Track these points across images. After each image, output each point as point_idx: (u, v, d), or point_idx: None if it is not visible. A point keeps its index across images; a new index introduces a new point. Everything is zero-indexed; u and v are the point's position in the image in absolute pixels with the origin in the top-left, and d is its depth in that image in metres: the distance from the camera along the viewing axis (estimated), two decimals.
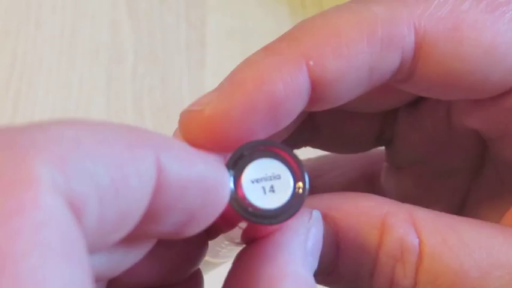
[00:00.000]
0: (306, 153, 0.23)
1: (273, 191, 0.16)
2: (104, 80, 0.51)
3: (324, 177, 0.25)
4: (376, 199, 0.19)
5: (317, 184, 0.24)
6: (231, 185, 0.16)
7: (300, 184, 0.17)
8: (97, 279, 0.16)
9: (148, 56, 0.52)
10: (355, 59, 0.17)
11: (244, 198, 0.16)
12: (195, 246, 0.18)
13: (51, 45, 0.52)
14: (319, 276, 0.18)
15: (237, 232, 0.17)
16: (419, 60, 0.18)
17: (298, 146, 0.24)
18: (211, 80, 0.52)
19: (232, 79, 0.17)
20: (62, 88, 0.50)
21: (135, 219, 0.14)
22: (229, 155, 0.16)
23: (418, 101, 0.22)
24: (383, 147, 0.24)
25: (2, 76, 0.50)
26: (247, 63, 0.17)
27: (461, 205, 0.23)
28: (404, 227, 0.18)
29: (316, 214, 0.18)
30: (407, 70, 0.18)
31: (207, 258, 0.19)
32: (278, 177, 0.16)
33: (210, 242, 0.19)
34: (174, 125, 0.17)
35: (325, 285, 0.20)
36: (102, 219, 0.13)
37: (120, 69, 0.52)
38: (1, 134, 0.12)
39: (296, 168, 0.17)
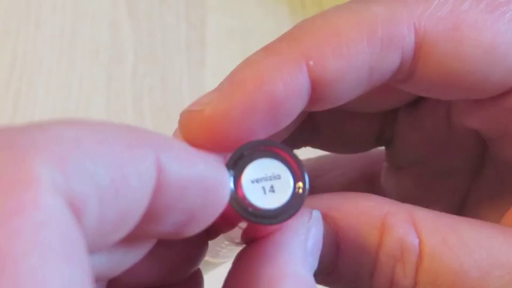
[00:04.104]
0: (306, 153, 0.23)
1: (273, 191, 0.16)
2: (104, 80, 0.51)
3: (324, 177, 0.25)
4: (376, 199, 0.19)
5: (317, 184, 0.24)
6: (231, 185, 0.16)
7: (300, 184, 0.17)
8: (97, 279, 0.16)
9: (148, 56, 0.52)
10: (355, 59, 0.17)
11: (244, 198, 0.16)
12: (195, 246, 0.18)
13: (51, 45, 0.52)
14: (319, 276, 0.18)
15: (237, 232, 0.17)
16: (419, 60, 0.18)
17: (298, 146, 0.24)
18: (211, 80, 0.52)
19: (232, 79, 0.17)
20: (62, 88, 0.50)
21: (135, 219, 0.14)
22: (229, 155, 0.16)
23: (418, 101, 0.22)
24: (383, 147, 0.24)
25: (2, 76, 0.50)
26: (247, 63, 0.17)
27: (461, 205, 0.23)
28: (404, 227, 0.18)
29: (316, 214, 0.18)
30: (407, 70, 0.18)
31: (207, 258, 0.19)
32: (278, 177, 0.16)
33: (210, 242, 0.19)
34: (174, 125, 0.17)
35: (325, 285, 0.20)
36: (102, 219, 0.13)
37: (120, 69, 0.52)
38: (1, 134, 0.12)
39: (296, 168, 0.17)
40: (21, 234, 0.11)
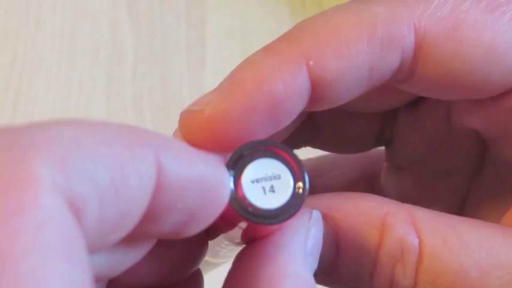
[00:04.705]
0: (306, 153, 0.23)
1: (273, 191, 0.16)
2: (104, 80, 0.51)
3: (324, 177, 0.25)
4: (376, 199, 0.19)
5: (317, 184, 0.24)
6: (231, 185, 0.16)
7: (300, 184, 0.17)
8: (97, 279, 0.16)
9: (148, 56, 0.52)
10: (355, 59, 0.17)
11: (244, 198, 0.16)
12: (195, 246, 0.18)
13: (51, 45, 0.52)
14: (319, 276, 0.18)
15: (237, 232, 0.17)
16: (419, 60, 0.18)
17: (298, 146, 0.24)
18: (211, 80, 0.52)
19: (232, 79, 0.17)
20: (62, 88, 0.50)
21: (135, 219, 0.14)
22: (229, 155, 0.16)
23: (418, 101, 0.22)
24: (383, 147, 0.24)
25: (2, 76, 0.50)
26: (247, 63, 0.17)
27: (461, 205, 0.23)
28: (404, 227, 0.18)
29: (316, 214, 0.18)
30: (407, 70, 0.18)
31: (207, 258, 0.19)
32: (278, 177, 0.16)
33: (210, 242, 0.19)
34: (174, 125, 0.17)
35: (325, 285, 0.20)
36: (102, 219, 0.13)
37: (120, 69, 0.52)
38: (1, 134, 0.12)
39: (296, 168, 0.17)
40: (21, 234, 0.11)
